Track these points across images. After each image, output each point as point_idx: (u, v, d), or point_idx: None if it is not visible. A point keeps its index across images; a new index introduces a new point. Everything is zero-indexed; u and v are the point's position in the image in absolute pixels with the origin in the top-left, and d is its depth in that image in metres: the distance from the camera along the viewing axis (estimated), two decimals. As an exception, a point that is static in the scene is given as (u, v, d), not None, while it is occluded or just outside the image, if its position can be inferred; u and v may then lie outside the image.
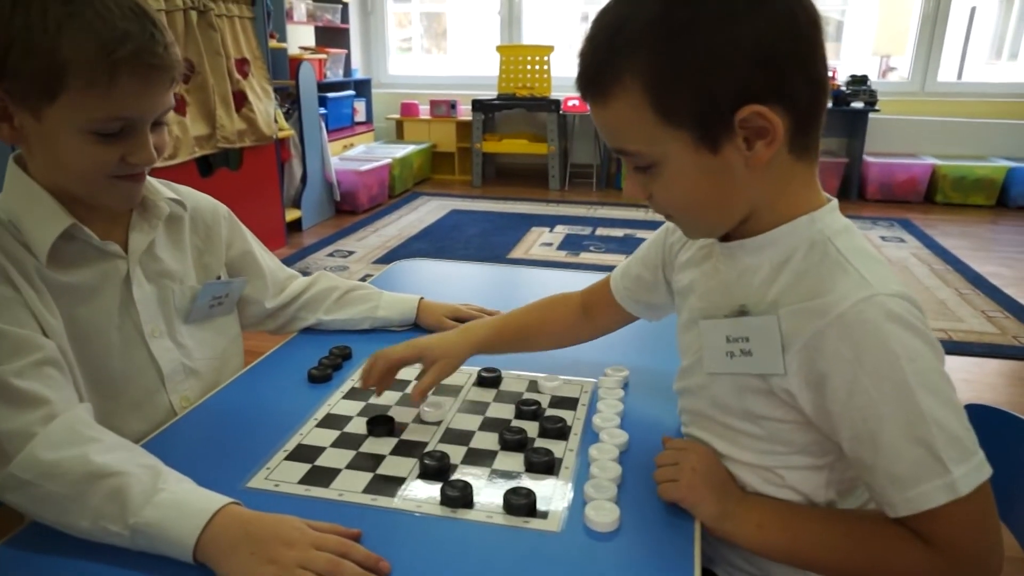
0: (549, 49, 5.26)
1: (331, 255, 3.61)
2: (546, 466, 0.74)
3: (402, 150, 5.15)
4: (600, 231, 4.01)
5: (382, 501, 0.70)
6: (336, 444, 0.79)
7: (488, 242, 3.81)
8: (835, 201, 0.68)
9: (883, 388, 0.57)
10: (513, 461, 0.76)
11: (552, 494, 0.70)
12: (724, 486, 0.69)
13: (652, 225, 4.07)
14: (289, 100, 4.05)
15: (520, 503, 0.67)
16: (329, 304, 1.10)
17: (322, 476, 0.74)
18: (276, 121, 3.65)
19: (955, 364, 2.37)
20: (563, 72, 5.44)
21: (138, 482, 0.63)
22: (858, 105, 4.57)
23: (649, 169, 0.64)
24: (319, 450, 0.78)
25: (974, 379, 2.29)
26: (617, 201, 4.78)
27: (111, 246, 0.83)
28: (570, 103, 5.02)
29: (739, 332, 0.65)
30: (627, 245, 3.73)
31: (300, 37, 5.04)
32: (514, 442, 0.78)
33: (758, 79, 0.58)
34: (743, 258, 0.68)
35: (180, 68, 0.78)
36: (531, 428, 0.82)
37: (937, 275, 3.26)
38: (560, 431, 0.81)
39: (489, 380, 0.94)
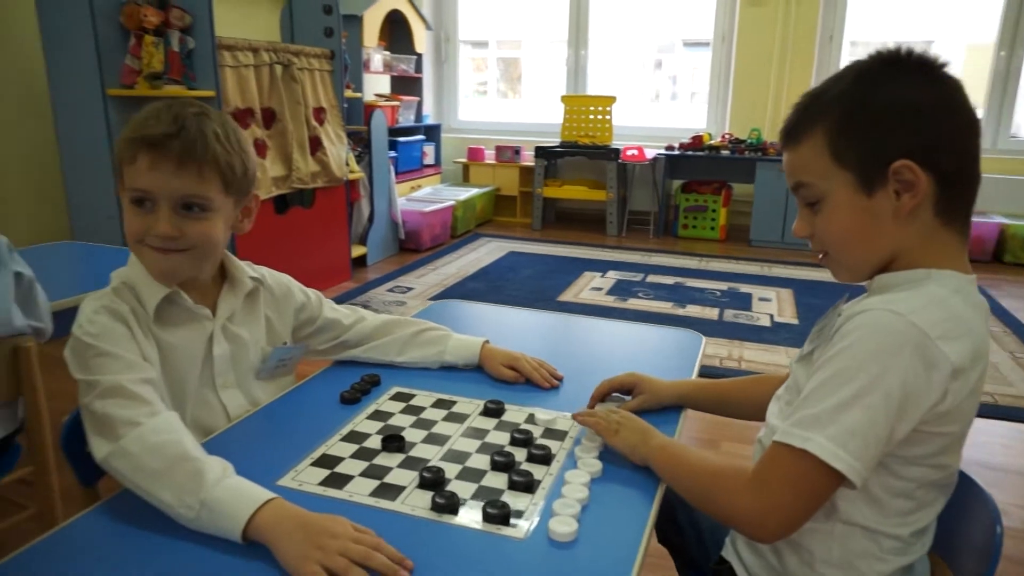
0: (612, 100, 5.44)
1: (391, 290, 3.82)
2: (525, 485, 0.86)
3: (466, 193, 5.39)
4: (651, 278, 4.10)
5: (384, 504, 0.83)
6: (354, 456, 0.94)
7: (540, 284, 3.95)
8: (973, 276, 0.78)
9: (847, 359, 0.71)
10: (499, 480, 0.89)
11: (526, 509, 0.83)
12: (640, 434, 0.91)
13: (702, 274, 4.12)
14: (362, 144, 4.34)
15: (495, 513, 0.80)
16: (400, 347, 1.23)
17: (338, 480, 0.88)
18: (347, 164, 3.93)
19: (996, 429, 2.35)
20: (624, 121, 5.61)
21: (212, 469, 0.79)
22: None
23: (816, 205, 0.80)
24: (339, 459, 0.93)
25: (1014, 446, 2.26)
26: (672, 249, 4.86)
27: (202, 310, 1.04)
28: (628, 152, 5.16)
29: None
30: (676, 293, 3.80)
31: (376, 85, 5.39)
32: (502, 464, 0.91)
33: (914, 141, 0.74)
34: (875, 285, 0.81)
35: (206, 160, 0.95)
36: (520, 454, 0.94)
37: (993, 336, 3.20)
38: (544, 457, 0.93)
39: (493, 410, 1.07)
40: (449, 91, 6.42)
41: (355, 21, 4.55)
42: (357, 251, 4.23)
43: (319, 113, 3.69)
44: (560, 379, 1.19)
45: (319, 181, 3.68)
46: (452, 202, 5.06)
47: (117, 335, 0.93)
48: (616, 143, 5.41)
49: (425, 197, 5.20)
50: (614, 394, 1.12)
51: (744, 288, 3.92)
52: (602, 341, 1.47)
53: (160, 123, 0.93)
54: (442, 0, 6.26)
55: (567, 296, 3.73)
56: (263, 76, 3.30)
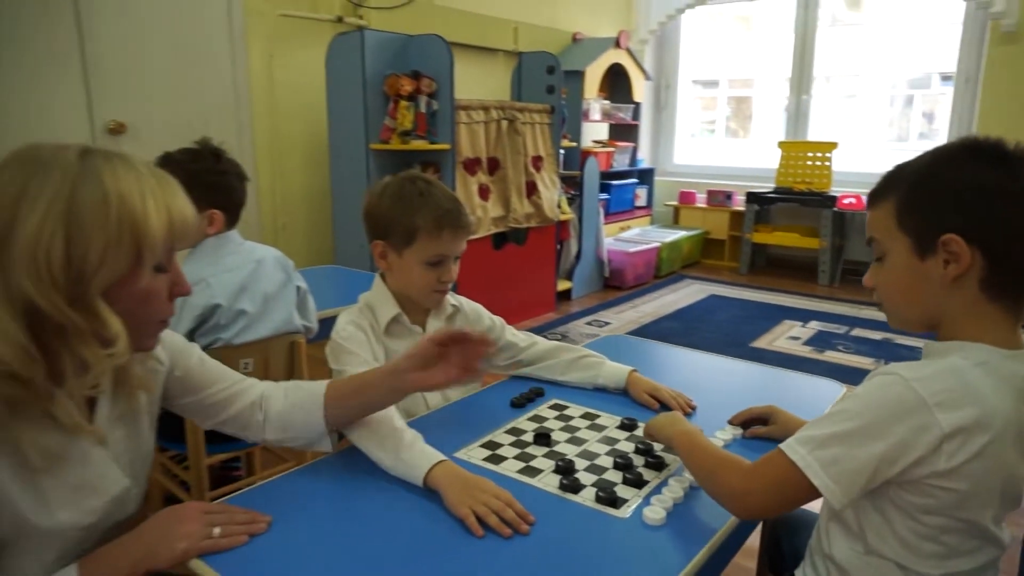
0: (832, 146, 5.30)
1: (589, 323, 4.12)
2: (635, 482, 1.09)
3: (673, 235, 5.55)
4: (857, 331, 3.95)
5: (525, 479, 1.11)
6: (511, 444, 1.23)
7: (736, 328, 4.00)
8: (1015, 352, 0.85)
9: (847, 403, 0.87)
10: (616, 476, 1.12)
11: (631, 498, 1.05)
12: (670, 418, 1.16)
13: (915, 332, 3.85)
14: (576, 187, 4.73)
15: (604, 496, 1.04)
16: (564, 368, 1.51)
17: (496, 459, 1.17)
18: (559, 206, 4.33)
19: None
20: (845, 168, 5.41)
21: (407, 436, 1.13)
22: None
23: (881, 260, 0.96)
24: (499, 445, 1.22)
25: None
26: (889, 302, 4.59)
27: (416, 328, 1.41)
28: (846, 201, 4.98)
29: None
30: (881, 349, 3.63)
31: (595, 132, 5.78)
32: (621, 464, 1.14)
33: (966, 219, 0.85)
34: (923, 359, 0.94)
35: (471, 227, 1.35)
36: (639, 460, 1.17)
37: None
38: (657, 465, 1.14)
39: (627, 425, 1.30)
40: (666, 136, 6.64)
41: (578, 76, 4.99)
42: (563, 285, 4.60)
43: (537, 161, 4.14)
44: (693, 407, 1.39)
45: (532, 221, 4.11)
46: (658, 243, 5.26)
47: (359, 340, 1.32)
48: (836, 190, 5.24)
49: (633, 238, 5.46)
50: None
51: (965, 350, 3.62)
52: (753, 385, 1.62)
53: (447, 202, 1.32)
54: (665, 48, 6.53)
55: (761, 343, 3.74)
56: (491, 130, 3.81)
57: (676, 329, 3.99)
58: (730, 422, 1.30)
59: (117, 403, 0.96)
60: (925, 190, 0.89)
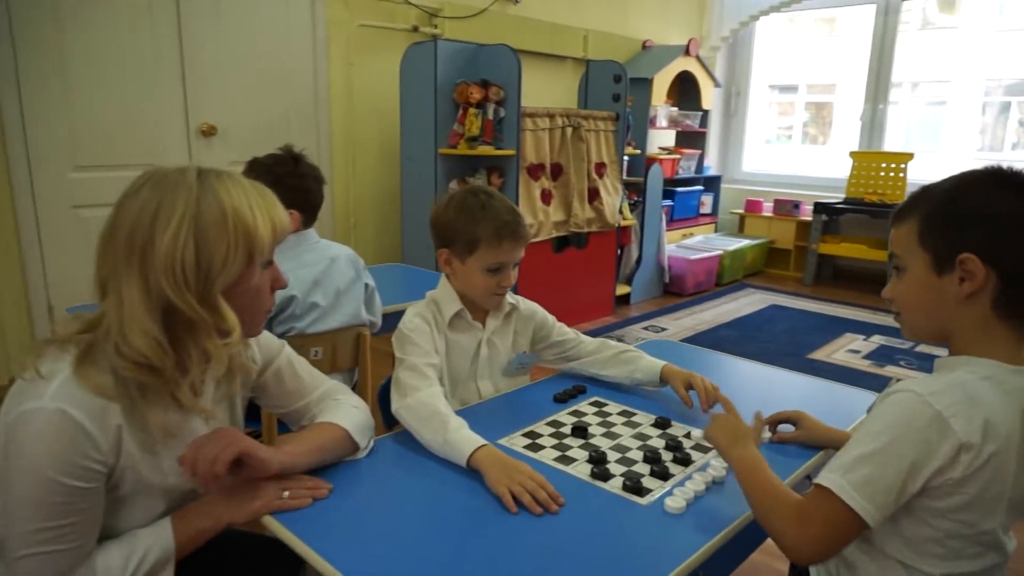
0: (908, 157, 5.18)
1: (646, 328, 4.17)
2: (660, 474, 1.18)
3: (737, 243, 5.52)
4: (923, 348, 3.86)
5: (559, 466, 1.22)
6: (550, 435, 1.34)
7: (794, 339, 3.98)
8: (1019, 367, 0.91)
9: (870, 425, 0.92)
10: (644, 468, 1.21)
11: (655, 489, 1.14)
12: (737, 434, 1.14)
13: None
14: (639, 193, 4.79)
15: (630, 485, 1.13)
16: (603, 364, 1.61)
17: (534, 447, 1.28)
18: (621, 212, 4.40)
19: None
20: (923, 178, 5.27)
21: (453, 422, 1.25)
22: None
23: (900, 272, 1.02)
24: (539, 435, 1.33)
25: None
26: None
27: (477, 325, 1.53)
28: (918, 213, 4.85)
29: None
30: (946, 366, 3.55)
31: (662, 139, 5.81)
32: (650, 458, 1.23)
33: (983, 241, 0.91)
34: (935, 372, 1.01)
35: (529, 237, 1.45)
36: (668, 456, 1.25)
37: None
38: (684, 460, 1.23)
39: (660, 423, 1.39)
40: (735, 143, 6.60)
41: (646, 83, 5.04)
42: (622, 290, 4.67)
43: (600, 168, 4.22)
44: (717, 402, 1.42)
45: (593, 226, 4.19)
46: (720, 251, 5.25)
47: (423, 332, 1.45)
48: (908, 202, 5.11)
49: (695, 245, 5.46)
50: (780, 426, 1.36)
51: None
52: (797, 396, 1.67)
53: (506, 215, 1.42)
54: (737, 55, 6.49)
55: (819, 355, 3.71)
56: (555, 137, 3.92)
57: (732, 337, 4.00)
58: (756, 427, 1.35)
59: (220, 387, 1.12)
60: (948, 210, 0.95)
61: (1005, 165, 0.96)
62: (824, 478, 0.92)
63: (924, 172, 5.27)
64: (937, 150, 5.62)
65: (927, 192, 1.00)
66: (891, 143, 5.68)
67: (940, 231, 0.95)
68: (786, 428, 1.36)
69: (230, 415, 1.16)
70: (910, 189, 5.15)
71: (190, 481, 1.05)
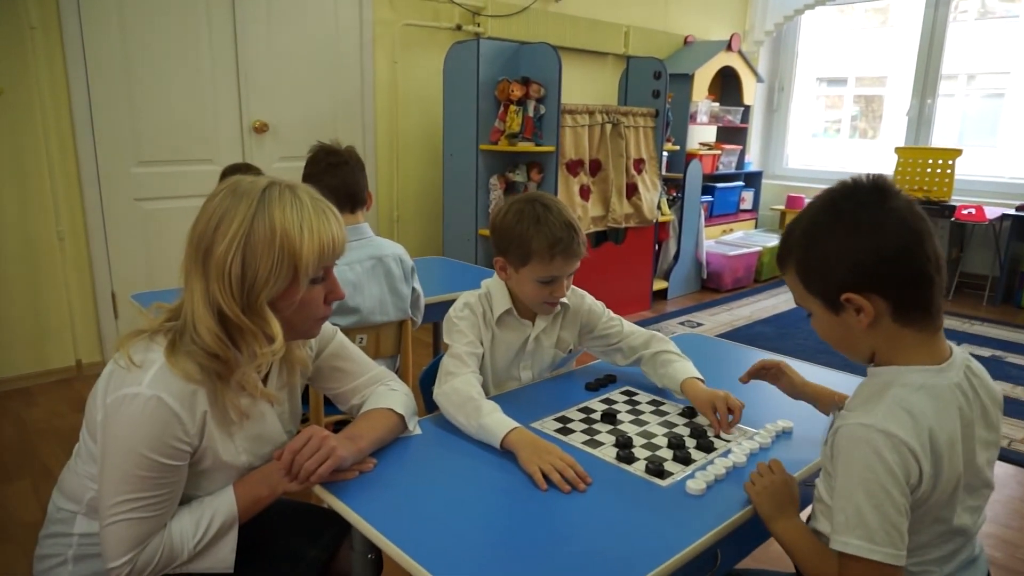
0: (956, 153, 5.08)
1: (682, 323, 4.21)
2: (683, 459, 1.25)
3: (777, 240, 5.49)
4: (964, 347, 3.80)
5: (587, 449, 1.29)
6: (580, 420, 1.42)
7: (833, 337, 3.96)
8: (941, 365, 0.96)
9: (847, 473, 0.94)
10: (667, 453, 1.28)
11: (676, 472, 1.22)
12: (782, 503, 1.09)
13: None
14: (678, 189, 4.81)
15: (652, 468, 1.20)
16: (644, 362, 1.62)
17: (565, 431, 1.36)
18: (659, 207, 4.43)
19: None
20: (972, 174, 5.17)
21: (488, 406, 1.33)
22: None
23: (809, 315, 1.07)
24: (570, 420, 1.41)
25: None
26: (1008, 320, 4.38)
27: (525, 322, 1.59)
28: (965, 211, 4.77)
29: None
30: (991, 367, 3.48)
31: (702, 135, 5.80)
32: (674, 444, 1.30)
33: (852, 278, 0.94)
34: (867, 379, 1.05)
35: (584, 251, 1.49)
36: (692, 443, 1.32)
37: None
38: (707, 447, 1.30)
39: (688, 412, 1.46)
40: (777, 139, 6.54)
41: (687, 79, 5.05)
42: (659, 285, 4.70)
43: (639, 164, 4.26)
44: (735, 424, 1.39)
45: (631, 222, 4.24)
46: (760, 248, 5.23)
47: (471, 322, 1.53)
48: (956, 199, 5.03)
49: (734, 241, 5.45)
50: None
51: (1086, 374, 3.45)
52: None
53: (561, 230, 1.42)
54: (780, 50, 6.42)
55: (857, 352, 3.70)
56: (595, 133, 3.97)
57: (768, 334, 4.00)
58: (741, 380, 1.43)
59: (282, 375, 1.24)
60: (811, 261, 0.99)
61: (843, 181, 0.99)
62: (841, 544, 0.92)
63: (978, 167, 5.17)
64: (993, 143, 5.48)
65: (791, 237, 1.02)
66: (942, 138, 5.56)
67: (815, 280, 0.99)
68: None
69: (291, 400, 1.28)
70: (958, 186, 5.07)
71: (261, 459, 1.17)
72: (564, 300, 1.59)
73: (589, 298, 1.68)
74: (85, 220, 3.22)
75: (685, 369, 1.52)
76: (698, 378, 1.49)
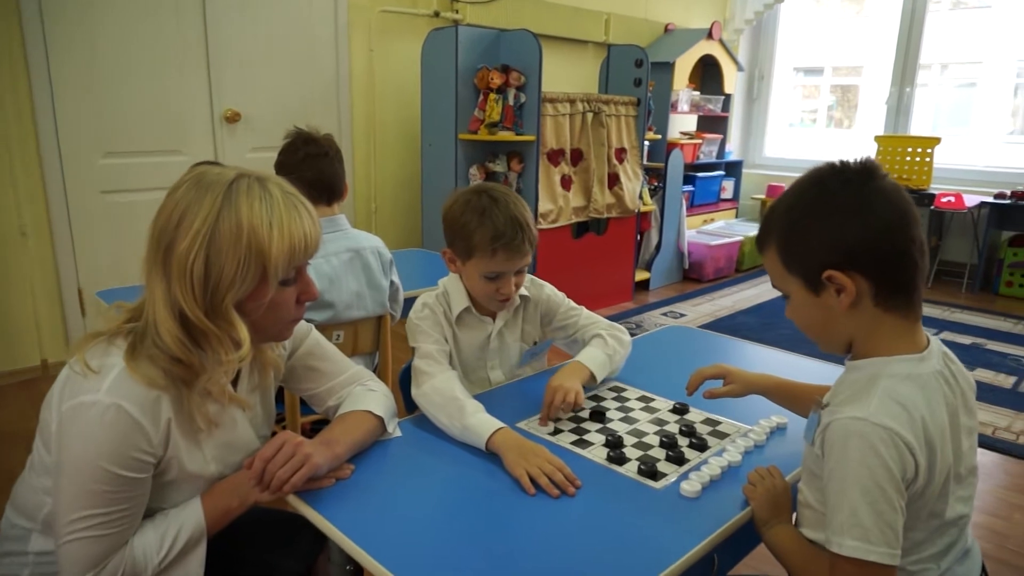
0: (935, 141, 5.09)
1: (665, 314, 4.18)
2: (676, 459, 1.20)
3: (757, 229, 5.48)
4: (944, 335, 3.83)
5: (576, 449, 1.24)
6: (568, 419, 1.36)
7: (815, 327, 3.96)
8: (922, 353, 0.93)
9: (842, 470, 0.90)
10: (660, 453, 1.23)
11: (669, 473, 1.16)
12: (778, 508, 1.06)
13: (1012, 338, 3.72)
14: (660, 178, 4.77)
15: (645, 469, 1.15)
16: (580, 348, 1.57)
17: (552, 431, 1.31)
18: (641, 197, 4.39)
19: None
20: (950, 163, 5.19)
21: (472, 406, 1.27)
22: None
23: (786, 299, 1.03)
24: (557, 419, 1.36)
25: None
26: (984, 307, 4.41)
27: (485, 319, 1.53)
28: (944, 199, 4.79)
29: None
30: (967, 354, 3.52)
31: (683, 124, 5.76)
32: (666, 443, 1.25)
33: (835, 255, 0.91)
34: (847, 373, 1.01)
35: (533, 247, 1.41)
36: (684, 441, 1.27)
37: None
38: (700, 446, 1.25)
39: (678, 409, 1.40)
40: (757, 128, 6.52)
41: (667, 67, 5.00)
42: (641, 276, 4.66)
43: (620, 153, 4.21)
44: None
45: (613, 212, 4.19)
46: (741, 238, 5.21)
47: (432, 321, 1.47)
48: (935, 187, 5.04)
49: (716, 231, 5.43)
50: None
51: (1064, 361, 3.47)
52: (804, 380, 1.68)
53: (505, 225, 1.34)
54: (760, 38, 6.40)
55: (840, 342, 3.69)
56: (576, 122, 3.91)
57: (750, 324, 3.99)
58: (689, 393, 1.36)
59: (253, 377, 1.16)
60: (794, 238, 0.95)
61: (830, 162, 0.95)
62: (837, 544, 0.88)
63: (952, 156, 5.19)
64: (966, 133, 5.51)
65: (773, 214, 0.99)
66: (918, 127, 5.58)
67: (797, 257, 0.95)
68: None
69: (263, 404, 1.20)
70: (937, 174, 5.09)
71: (230, 468, 1.09)
72: (524, 292, 1.55)
73: (549, 288, 1.63)
74: (49, 214, 3.09)
75: (586, 354, 1.49)
76: (586, 367, 1.45)
